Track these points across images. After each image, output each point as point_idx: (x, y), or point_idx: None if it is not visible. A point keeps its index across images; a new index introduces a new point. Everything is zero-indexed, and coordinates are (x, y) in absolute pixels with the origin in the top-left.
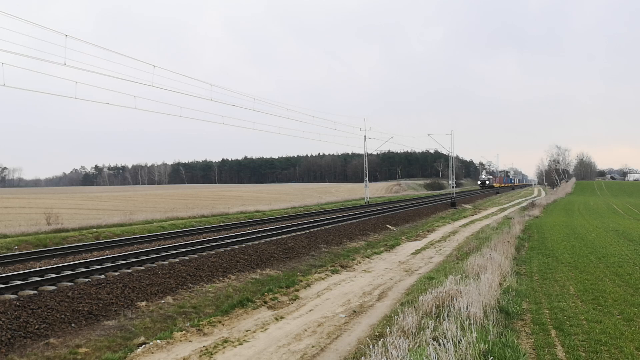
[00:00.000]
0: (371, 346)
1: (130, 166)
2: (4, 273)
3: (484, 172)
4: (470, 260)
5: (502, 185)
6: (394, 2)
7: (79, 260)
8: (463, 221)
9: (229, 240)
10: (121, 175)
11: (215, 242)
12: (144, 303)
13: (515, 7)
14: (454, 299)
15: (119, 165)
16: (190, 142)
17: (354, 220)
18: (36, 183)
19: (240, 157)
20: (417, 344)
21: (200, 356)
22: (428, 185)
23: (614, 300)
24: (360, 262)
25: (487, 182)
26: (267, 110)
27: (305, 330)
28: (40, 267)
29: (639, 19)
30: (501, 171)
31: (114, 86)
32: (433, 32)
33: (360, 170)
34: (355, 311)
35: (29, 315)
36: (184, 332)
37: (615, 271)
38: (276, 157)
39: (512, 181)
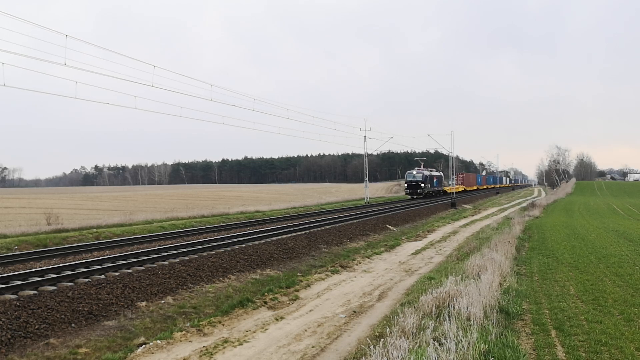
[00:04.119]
0: (371, 346)
1: (130, 166)
2: (4, 273)
3: (416, 168)
4: (471, 260)
5: (474, 188)
6: (393, 2)
7: (79, 260)
8: (463, 221)
9: (229, 241)
10: (121, 176)
11: (215, 242)
12: (144, 303)
13: (514, 8)
14: (454, 299)
15: (119, 165)
16: (190, 142)
17: (354, 221)
18: (36, 183)
19: (240, 157)
20: (418, 344)
21: (200, 356)
22: None
23: (614, 300)
24: (360, 263)
25: (424, 186)
26: (267, 110)
27: (305, 330)
28: (41, 267)
29: (638, 19)
30: (502, 171)
31: (114, 86)
32: (432, 32)
33: (360, 171)
34: (355, 311)
35: (29, 315)
36: (184, 332)
37: (616, 271)
38: (276, 157)
39: (498, 181)
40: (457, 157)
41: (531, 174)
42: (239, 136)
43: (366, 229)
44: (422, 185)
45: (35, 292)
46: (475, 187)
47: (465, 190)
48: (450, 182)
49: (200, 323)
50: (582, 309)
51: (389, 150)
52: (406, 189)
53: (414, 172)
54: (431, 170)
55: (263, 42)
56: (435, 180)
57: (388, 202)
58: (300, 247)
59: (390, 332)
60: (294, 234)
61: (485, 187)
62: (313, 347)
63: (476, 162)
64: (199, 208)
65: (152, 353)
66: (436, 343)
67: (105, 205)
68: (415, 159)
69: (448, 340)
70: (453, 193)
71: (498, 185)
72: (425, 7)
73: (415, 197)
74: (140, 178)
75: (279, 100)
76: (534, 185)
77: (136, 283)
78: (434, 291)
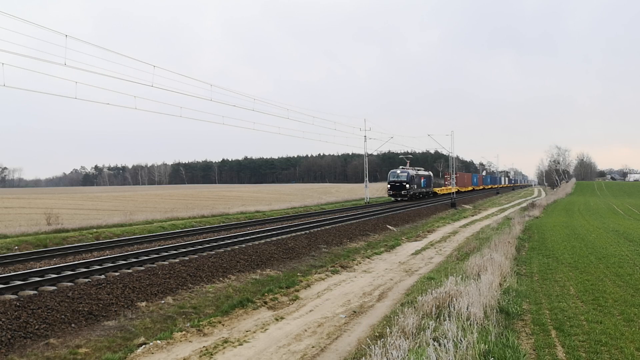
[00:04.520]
0: (371, 346)
1: (130, 166)
2: (4, 273)
3: (400, 167)
4: (471, 260)
5: (469, 188)
6: (392, 3)
7: (79, 260)
8: (463, 221)
9: (229, 241)
10: (121, 176)
11: (215, 242)
12: (144, 303)
13: (512, 10)
14: (454, 299)
15: (119, 165)
16: (190, 142)
17: (354, 221)
18: (36, 183)
19: (240, 157)
20: (418, 345)
21: (200, 356)
22: None
23: (614, 300)
24: (360, 263)
25: (409, 187)
26: (267, 110)
27: (306, 330)
28: (41, 267)
29: (637, 21)
30: (502, 171)
31: (114, 86)
32: (431, 33)
33: (361, 171)
34: (355, 311)
35: (29, 315)
36: (184, 332)
37: (616, 271)
38: (276, 158)
39: (497, 182)
40: (457, 157)
41: (531, 174)
42: (238, 136)
43: (366, 229)
44: (407, 185)
45: (35, 292)
46: (470, 188)
47: (458, 192)
48: (451, 183)
49: (200, 323)
50: (582, 309)
51: (389, 151)
52: (389, 190)
53: (398, 171)
54: (418, 170)
55: (262, 43)
56: (423, 180)
57: (388, 202)
58: (300, 247)
59: (390, 332)
60: (294, 234)
61: (481, 187)
62: (313, 347)
63: (476, 162)
64: (199, 208)
65: (152, 353)
66: (436, 343)
67: (105, 205)
68: (401, 157)
69: (447, 341)
70: (453, 193)
71: (496, 186)
72: (423, 8)
73: (399, 199)
74: (140, 178)
75: (278, 101)
76: (534, 185)
77: (136, 283)
78: (434, 291)
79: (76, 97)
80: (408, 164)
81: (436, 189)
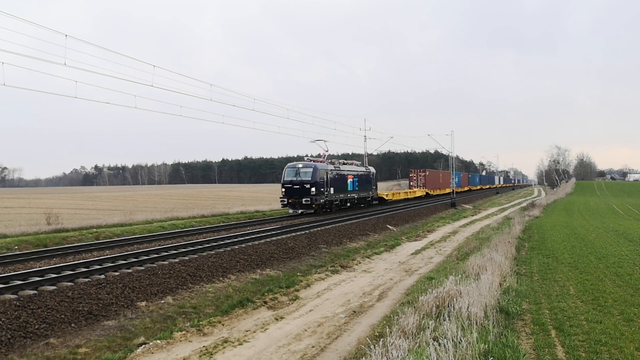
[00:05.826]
0: (371, 346)
1: (130, 166)
2: (4, 273)
3: (306, 157)
4: (471, 260)
5: (446, 191)
6: (392, 3)
7: (79, 260)
8: (463, 221)
9: (229, 241)
10: (121, 175)
11: (215, 242)
12: (144, 303)
13: (512, 10)
14: (454, 299)
15: (119, 165)
16: (190, 142)
17: (354, 221)
18: (36, 183)
19: (240, 157)
20: (417, 344)
21: (200, 356)
22: None
23: (614, 300)
24: (360, 262)
25: (319, 192)
26: (267, 110)
27: (305, 330)
28: (40, 267)
29: (637, 21)
30: (502, 171)
31: (114, 86)
32: (431, 33)
33: None
34: (355, 311)
35: (29, 315)
36: (184, 332)
37: (615, 271)
38: (276, 157)
39: (489, 181)
40: (457, 157)
41: (531, 174)
42: (238, 136)
43: (366, 229)
44: (313, 190)
45: (35, 292)
46: (447, 190)
47: (428, 195)
48: (452, 184)
49: (200, 323)
50: (582, 309)
51: (389, 150)
52: (283, 196)
53: (300, 165)
54: (342, 163)
55: (262, 43)
56: (351, 180)
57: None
58: (300, 247)
59: (390, 332)
60: (293, 234)
61: (467, 189)
62: (313, 347)
63: (476, 162)
64: (199, 208)
65: (152, 353)
66: (436, 343)
67: (105, 205)
68: (315, 141)
69: (447, 340)
70: (453, 193)
71: (487, 187)
72: (423, 8)
73: (300, 211)
74: (140, 178)
75: (278, 101)
76: (534, 185)
77: (136, 283)
78: (434, 291)
79: (76, 96)
80: (325, 157)
81: (385, 194)
